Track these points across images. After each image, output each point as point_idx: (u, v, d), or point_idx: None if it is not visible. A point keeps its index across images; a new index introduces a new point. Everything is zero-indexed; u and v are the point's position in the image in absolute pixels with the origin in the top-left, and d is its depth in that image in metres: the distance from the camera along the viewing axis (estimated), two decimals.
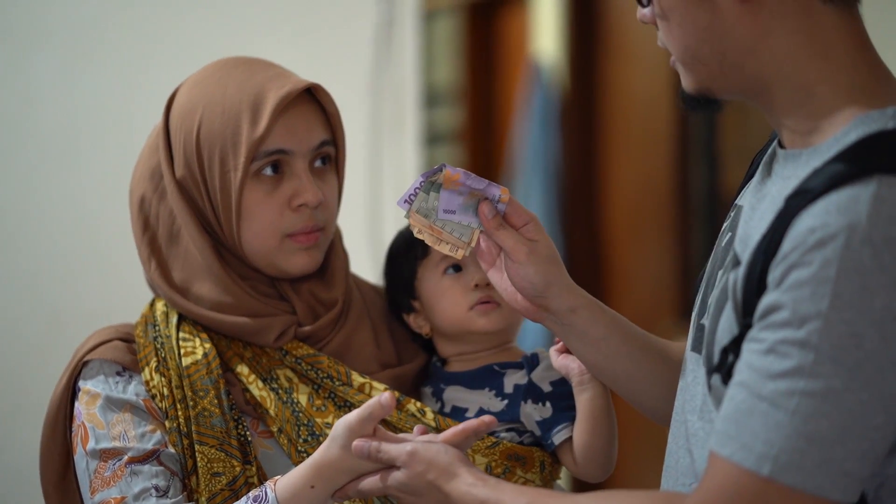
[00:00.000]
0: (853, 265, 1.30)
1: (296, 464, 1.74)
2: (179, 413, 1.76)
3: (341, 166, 1.88)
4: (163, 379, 1.78)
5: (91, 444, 1.75)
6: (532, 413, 1.81)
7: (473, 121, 5.37)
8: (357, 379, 1.81)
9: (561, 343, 1.81)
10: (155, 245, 1.85)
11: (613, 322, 1.72)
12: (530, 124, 4.82)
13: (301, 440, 1.76)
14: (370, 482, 1.62)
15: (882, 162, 1.34)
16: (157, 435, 1.75)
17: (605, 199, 4.72)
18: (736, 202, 1.60)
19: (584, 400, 1.79)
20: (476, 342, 1.88)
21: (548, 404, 1.81)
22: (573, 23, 4.75)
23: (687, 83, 1.52)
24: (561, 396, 1.81)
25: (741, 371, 1.36)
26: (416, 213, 1.68)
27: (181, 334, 1.82)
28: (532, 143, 4.81)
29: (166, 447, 1.75)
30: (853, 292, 1.30)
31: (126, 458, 1.73)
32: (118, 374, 1.80)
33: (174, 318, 1.84)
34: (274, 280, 1.85)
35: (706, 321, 1.52)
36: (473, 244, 1.70)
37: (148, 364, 1.80)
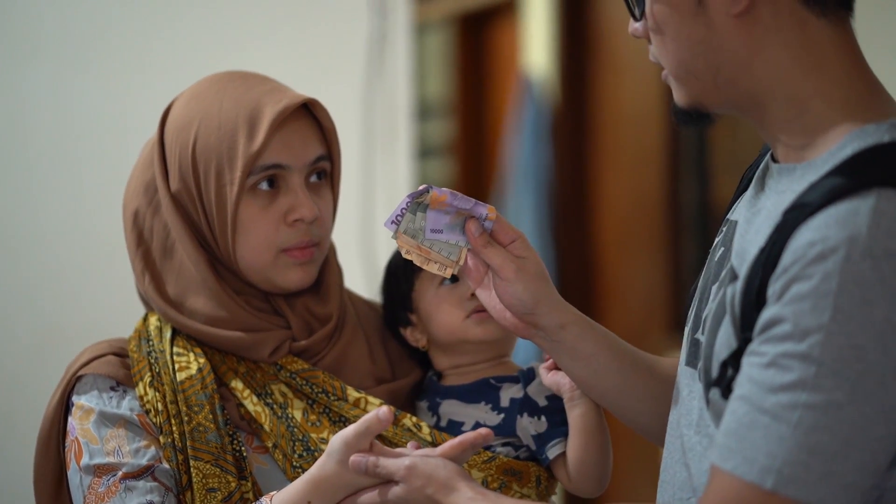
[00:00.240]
0: (854, 278, 1.31)
1: (291, 479, 1.74)
2: (174, 428, 1.75)
3: (336, 181, 1.88)
4: (157, 394, 1.77)
5: (85, 460, 1.74)
6: (528, 427, 1.81)
7: (465, 134, 5.38)
8: (352, 394, 1.81)
9: (551, 360, 1.81)
10: (149, 259, 1.85)
11: (602, 338, 1.72)
12: (521, 137, 4.83)
13: (296, 455, 1.76)
14: (368, 497, 1.62)
15: (880, 175, 1.34)
16: (152, 450, 1.75)
17: (596, 213, 4.72)
18: (728, 217, 1.60)
19: (575, 416, 1.79)
20: (472, 353, 1.88)
21: (543, 418, 1.81)
22: (564, 36, 4.76)
23: (680, 97, 1.52)
24: (556, 411, 1.81)
25: (742, 385, 1.37)
26: (403, 234, 1.69)
27: (175, 349, 1.81)
28: (523, 156, 4.81)
29: (161, 462, 1.74)
30: (854, 305, 1.30)
31: (120, 473, 1.72)
32: (112, 388, 1.79)
33: (168, 333, 1.83)
34: (268, 295, 1.85)
35: (701, 336, 1.52)
36: (462, 262, 1.70)
37: (142, 379, 1.79)
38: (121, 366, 1.81)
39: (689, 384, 1.55)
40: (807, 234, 1.34)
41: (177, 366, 1.79)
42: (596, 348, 1.70)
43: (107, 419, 1.76)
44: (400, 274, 1.92)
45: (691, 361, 1.56)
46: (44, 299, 2.94)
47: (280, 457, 1.77)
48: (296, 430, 1.78)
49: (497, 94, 5.30)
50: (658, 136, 4.33)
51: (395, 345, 1.94)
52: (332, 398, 1.80)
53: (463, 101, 5.38)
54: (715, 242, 1.60)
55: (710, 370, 1.47)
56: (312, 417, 1.79)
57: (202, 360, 1.80)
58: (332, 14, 3.26)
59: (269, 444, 1.77)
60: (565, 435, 1.80)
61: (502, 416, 1.83)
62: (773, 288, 1.36)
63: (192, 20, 3.13)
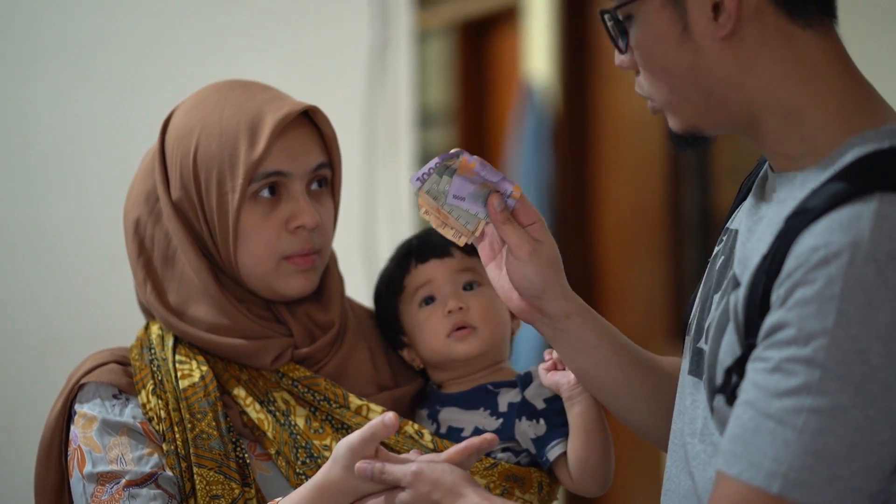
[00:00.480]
0: (857, 282, 1.31)
1: (294, 486, 1.74)
2: (177, 436, 1.75)
3: (337, 189, 1.88)
4: (160, 401, 1.77)
5: (88, 468, 1.74)
6: (527, 431, 1.82)
7: (466, 141, 5.38)
8: (354, 401, 1.81)
9: (550, 361, 1.81)
10: (150, 268, 1.85)
11: (606, 331, 1.72)
12: (523, 145, 4.83)
13: (299, 462, 1.76)
14: (374, 503, 1.62)
15: (881, 180, 1.35)
16: (155, 458, 1.75)
17: (597, 220, 4.72)
18: (728, 226, 1.60)
19: (575, 414, 1.79)
20: (461, 368, 1.89)
21: (542, 421, 1.81)
22: (565, 44, 4.77)
23: (675, 124, 1.52)
24: (554, 413, 1.82)
25: (747, 390, 1.37)
26: (425, 194, 1.67)
27: (178, 357, 1.81)
28: (525, 164, 4.82)
29: (164, 470, 1.74)
30: (858, 309, 1.31)
31: (124, 481, 1.72)
32: (114, 396, 1.79)
33: (170, 341, 1.83)
34: (270, 303, 1.85)
35: (705, 345, 1.52)
36: (478, 234, 1.69)
37: (144, 387, 1.79)
38: (123, 374, 1.81)
39: (692, 393, 1.55)
40: (810, 239, 1.35)
41: (179, 373, 1.79)
42: (598, 340, 1.71)
43: (109, 427, 1.76)
44: (384, 298, 1.93)
45: (694, 371, 1.56)
46: (47, 306, 2.94)
47: (283, 464, 1.77)
48: (299, 437, 1.78)
49: (498, 102, 5.31)
50: (659, 143, 4.33)
51: (397, 353, 1.95)
52: (334, 406, 1.80)
53: (464, 108, 5.39)
54: (715, 251, 1.60)
55: (714, 378, 1.47)
56: (315, 424, 1.79)
57: (205, 368, 1.80)
58: (334, 21, 3.27)
59: (272, 452, 1.77)
60: (565, 436, 1.80)
61: (501, 420, 1.83)
62: (777, 293, 1.36)
63: (194, 29, 3.13)
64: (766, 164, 1.54)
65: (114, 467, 1.74)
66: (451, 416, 1.86)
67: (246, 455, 1.76)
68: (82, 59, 2.99)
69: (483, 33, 5.39)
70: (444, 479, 1.59)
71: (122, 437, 1.76)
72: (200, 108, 1.83)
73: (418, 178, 1.67)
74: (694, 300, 1.62)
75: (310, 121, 1.84)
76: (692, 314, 1.61)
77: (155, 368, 1.81)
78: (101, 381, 1.80)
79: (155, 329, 1.86)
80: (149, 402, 1.78)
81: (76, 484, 1.76)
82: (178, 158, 1.82)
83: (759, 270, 1.40)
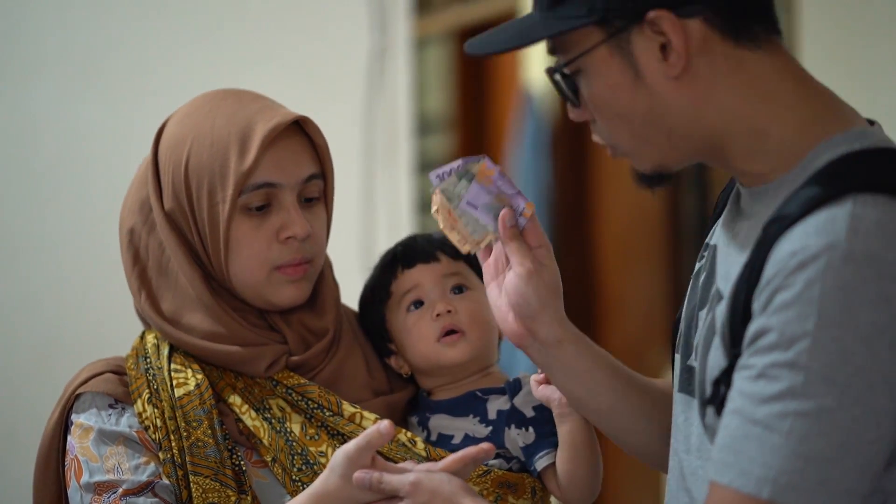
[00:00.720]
0: (836, 283, 1.31)
1: (291, 493, 1.74)
2: (173, 444, 1.75)
3: (330, 198, 1.88)
4: (155, 410, 1.77)
5: (85, 478, 1.74)
6: (516, 438, 1.81)
7: (465, 148, 5.37)
8: (348, 409, 1.81)
9: (542, 375, 1.80)
10: (145, 276, 1.85)
11: (598, 357, 1.71)
12: (522, 152, 4.83)
13: (295, 469, 1.76)
14: None
15: (854, 182, 1.36)
16: (152, 467, 1.75)
17: (596, 227, 4.72)
18: (707, 241, 1.60)
19: (564, 431, 1.79)
20: (450, 374, 1.89)
21: (531, 429, 1.81)
22: None
23: (641, 166, 1.52)
24: (544, 421, 1.81)
25: (733, 399, 1.37)
26: (441, 192, 1.66)
27: (173, 365, 1.81)
28: (524, 171, 4.81)
29: (161, 479, 1.74)
30: (838, 310, 1.31)
31: (121, 490, 1.72)
32: (111, 406, 1.79)
33: (165, 350, 1.83)
34: (263, 311, 1.85)
35: (695, 362, 1.52)
36: (482, 245, 1.67)
37: (140, 396, 1.79)
38: (119, 383, 1.81)
39: (684, 411, 1.55)
40: (787, 244, 1.35)
41: (175, 382, 1.79)
42: (591, 366, 1.69)
43: (106, 437, 1.76)
44: (370, 306, 1.93)
45: (685, 388, 1.56)
46: (48, 312, 2.95)
47: (279, 471, 1.77)
48: (294, 443, 1.78)
49: (497, 109, 5.31)
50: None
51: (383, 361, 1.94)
52: (327, 414, 1.80)
53: (464, 115, 5.38)
54: (697, 268, 1.60)
55: (704, 391, 1.47)
56: (311, 431, 1.79)
57: (200, 376, 1.80)
58: (333, 30, 3.27)
59: (269, 459, 1.77)
60: (554, 446, 1.80)
61: (490, 428, 1.83)
62: (758, 301, 1.36)
63: (195, 38, 3.14)
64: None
65: (111, 477, 1.73)
66: (440, 423, 1.86)
67: (242, 462, 1.76)
68: (84, 68, 3.00)
69: None
70: (441, 489, 1.58)
71: (118, 447, 1.76)
72: (192, 118, 1.83)
73: (438, 176, 1.65)
74: (679, 318, 1.62)
75: (301, 131, 1.84)
76: (679, 332, 1.61)
77: (150, 377, 1.81)
78: (97, 391, 1.80)
79: (150, 338, 1.86)
80: (145, 411, 1.78)
81: (73, 494, 1.76)
82: (170, 168, 1.82)
83: (740, 280, 1.40)
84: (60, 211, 2.96)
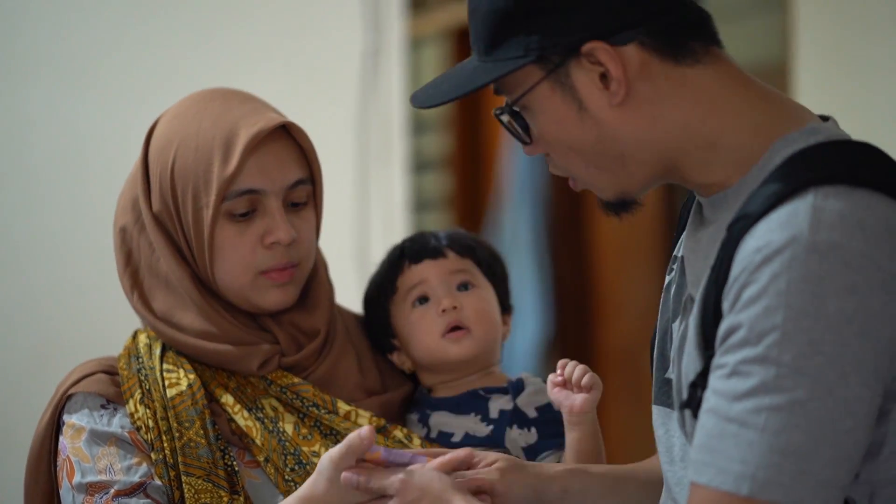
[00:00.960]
0: (802, 275, 1.31)
1: (284, 493, 1.74)
2: (165, 445, 1.75)
3: (319, 202, 1.87)
4: (147, 411, 1.77)
5: (77, 478, 1.74)
6: (517, 439, 1.81)
7: (461, 148, 5.37)
8: (343, 407, 1.80)
9: (560, 378, 1.79)
10: (137, 276, 1.85)
11: (602, 477, 1.71)
12: (517, 153, 4.83)
13: (288, 469, 1.76)
14: None
15: (813, 175, 1.36)
16: (144, 467, 1.74)
17: (592, 227, 4.72)
18: (675, 254, 1.60)
19: (573, 438, 1.78)
20: (454, 371, 1.88)
21: (533, 430, 1.81)
22: None
23: (603, 195, 1.53)
24: (546, 422, 1.81)
25: (708, 399, 1.37)
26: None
27: (165, 366, 1.81)
28: (520, 171, 4.81)
29: (153, 479, 1.74)
30: (806, 301, 1.31)
31: (113, 491, 1.72)
32: (102, 406, 1.79)
33: (157, 350, 1.83)
34: (253, 313, 1.85)
35: (672, 374, 1.52)
36: None
37: (132, 396, 1.79)
38: (111, 383, 1.81)
39: (664, 423, 1.56)
40: (752, 242, 1.35)
41: (167, 382, 1.79)
42: (602, 491, 1.70)
43: (98, 437, 1.76)
44: (375, 301, 1.93)
45: (663, 401, 1.56)
46: (44, 313, 2.95)
47: (272, 471, 1.76)
48: (287, 443, 1.77)
49: (494, 108, 5.30)
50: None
51: (386, 358, 1.94)
52: (322, 411, 1.80)
53: (459, 114, 5.38)
54: (667, 281, 1.60)
55: (681, 396, 1.47)
56: (304, 431, 1.79)
57: (192, 376, 1.79)
58: (327, 29, 3.27)
59: (261, 459, 1.77)
60: (556, 447, 1.80)
61: (491, 427, 1.83)
62: (727, 299, 1.36)
63: (188, 38, 3.13)
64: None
65: (103, 477, 1.73)
66: (441, 420, 1.86)
67: (234, 463, 1.76)
68: (79, 69, 2.99)
69: None
70: (431, 486, 1.58)
71: (110, 448, 1.75)
72: (180, 120, 1.83)
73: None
74: (655, 334, 1.62)
75: (289, 134, 1.82)
76: (654, 345, 1.61)
77: (142, 378, 1.80)
78: (89, 392, 1.79)
79: (142, 338, 1.86)
80: (137, 411, 1.77)
81: (65, 494, 1.75)
82: (157, 170, 1.82)
83: (709, 282, 1.40)
84: (56, 212, 2.96)
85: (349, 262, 3.10)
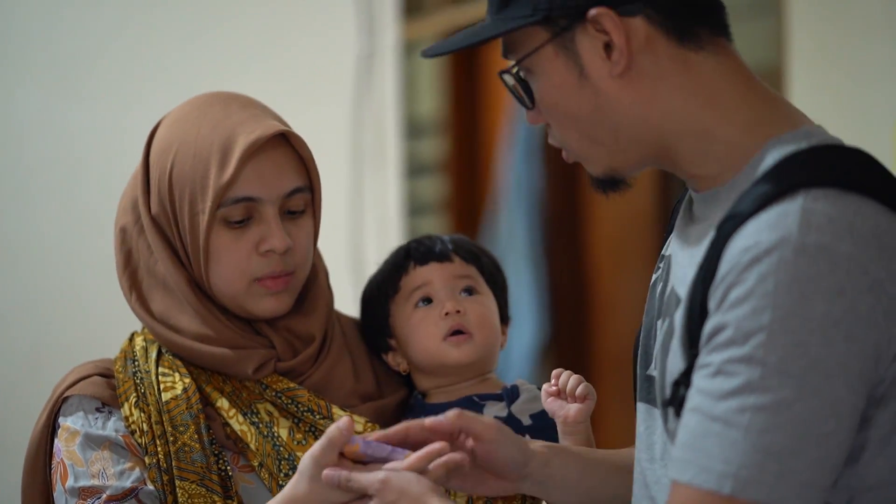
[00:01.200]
0: (790, 276, 1.31)
1: None
2: (159, 449, 1.74)
3: (318, 210, 1.86)
4: (142, 414, 1.77)
5: (70, 482, 1.74)
6: None
7: (457, 152, 5.37)
8: (337, 412, 1.80)
9: (555, 387, 1.79)
10: (136, 276, 1.85)
11: (579, 458, 1.71)
12: (514, 155, 4.83)
13: (282, 475, 1.75)
14: None
15: (804, 178, 1.37)
16: (136, 472, 1.74)
17: (588, 230, 4.72)
18: (663, 253, 1.60)
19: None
20: (451, 375, 1.88)
21: (527, 437, 1.80)
22: None
23: (593, 169, 1.53)
24: (541, 430, 1.81)
25: (692, 398, 1.37)
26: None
27: (160, 369, 1.81)
28: (516, 174, 4.81)
29: (145, 484, 1.73)
30: (793, 302, 1.31)
31: (104, 496, 1.72)
32: (97, 409, 1.79)
33: (154, 353, 1.83)
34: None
35: (654, 371, 1.52)
36: None
37: (127, 399, 1.79)
38: (106, 386, 1.80)
39: (645, 419, 1.56)
40: (740, 241, 1.35)
41: (162, 386, 1.79)
42: (581, 471, 1.70)
43: (92, 441, 1.76)
44: (375, 300, 1.92)
45: (645, 398, 1.56)
46: (38, 316, 2.95)
47: (266, 475, 1.76)
48: (282, 448, 1.77)
49: (489, 112, 5.31)
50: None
51: (381, 363, 1.94)
52: (317, 416, 1.79)
53: (456, 118, 5.38)
54: (653, 279, 1.60)
55: (664, 394, 1.47)
56: (298, 436, 1.79)
57: (187, 380, 1.79)
58: (321, 32, 3.28)
59: (255, 463, 1.77)
60: None
61: None
62: (713, 298, 1.37)
63: (181, 42, 3.14)
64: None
65: (95, 482, 1.73)
66: None
67: (228, 467, 1.76)
68: (70, 73, 3.00)
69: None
70: (410, 489, 1.57)
71: (104, 452, 1.75)
72: (181, 124, 1.82)
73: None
74: (640, 332, 1.62)
75: (287, 142, 1.82)
76: (638, 342, 1.61)
77: (138, 381, 1.80)
78: (85, 394, 1.79)
79: (139, 341, 1.86)
80: (132, 414, 1.77)
81: (59, 498, 1.76)
82: (157, 173, 1.82)
83: (696, 280, 1.41)
84: (50, 214, 2.97)
85: (343, 265, 3.10)
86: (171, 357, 1.83)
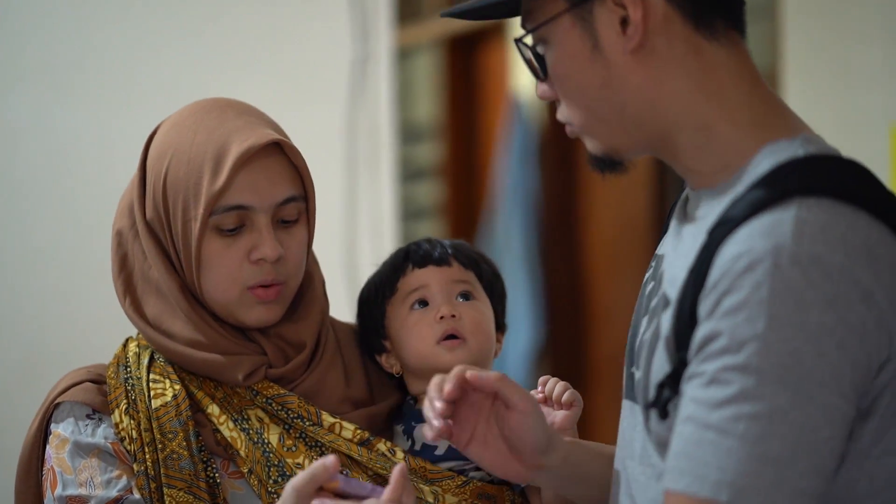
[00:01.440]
0: (784, 285, 1.31)
1: None
2: (147, 456, 1.74)
3: (312, 219, 1.86)
4: (132, 421, 1.77)
5: (59, 490, 1.74)
6: None
7: (453, 156, 5.38)
8: (327, 419, 1.80)
9: (541, 395, 1.78)
10: (130, 280, 1.85)
11: (599, 454, 1.69)
12: (510, 160, 4.83)
13: (271, 481, 1.75)
14: None
15: (799, 186, 1.37)
16: (124, 480, 1.74)
17: (584, 234, 4.72)
18: (657, 252, 1.60)
19: None
20: None
21: None
22: None
23: (593, 146, 1.53)
24: None
25: (686, 407, 1.36)
26: None
27: (151, 376, 1.81)
28: (512, 179, 4.82)
29: (132, 493, 1.73)
30: (788, 311, 1.31)
31: None
32: (88, 416, 1.78)
33: (145, 360, 1.83)
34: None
35: (636, 370, 1.52)
36: None
37: (118, 406, 1.78)
38: (98, 393, 1.80)
39: (628, 417, 1.55)
40: (732, 247, 1.35)
41: (152, 392, 1.78)
42: (601, 467, 1.67)
43: (81, 449, 1.76)
44: (371, 301, 1.92)
45: (629, 394, 1.56)
46: (31, 322, 2.94)
47: (255, 482, 1.76)
48: (272, 455, 1.77)
49: (485, 117, 5.31)
50: (646, 157, 4.33)
51: (375, 370, 1.93)
52: (307, 423, 1.79)
53: (452, 123, 5.38)
54: (645, 278, 1.60)
55: (647, 396, 1.47)
56: (288, 443, 1.78)
57: (177, 387, 1.79)
58: (315, 37, 3.28)
59: (245, 470, 1.76)
60: None
61: None
62: (705, 305, 1.36)
63: (175, 46, 3.14)
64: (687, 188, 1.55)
65: (82, 491, 1.73)
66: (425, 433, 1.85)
67: (217, 474, 1.75)
68: (64, 77, 2.99)
69: (470, 48, 5.39)
70: None
71: (92, 460, 1.75)
72: (177, 129, 1.82)
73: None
74: (631, 328, 1.62)
75: (282, 151, 1.81)
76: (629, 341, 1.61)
77: (129, 387, 1.80)
78: (76, 401, 1.79)
79: (132, 346, 1.86)
80: (121, 421, 1.77)
81: None
82: (152, 179, 1.81)
83: (686, 284, 1.40)
84: (43, 220, 2.96)
85: (337, 269, 3.09)
86: (162, 363, 1.82)
